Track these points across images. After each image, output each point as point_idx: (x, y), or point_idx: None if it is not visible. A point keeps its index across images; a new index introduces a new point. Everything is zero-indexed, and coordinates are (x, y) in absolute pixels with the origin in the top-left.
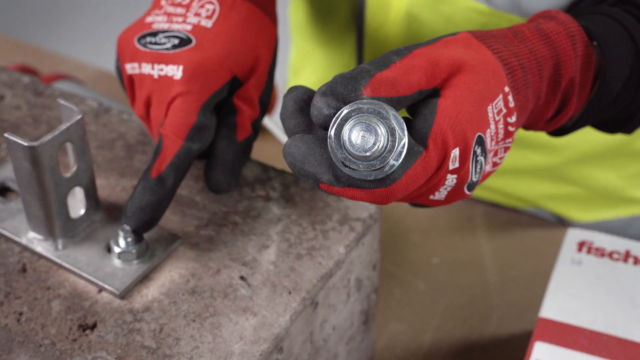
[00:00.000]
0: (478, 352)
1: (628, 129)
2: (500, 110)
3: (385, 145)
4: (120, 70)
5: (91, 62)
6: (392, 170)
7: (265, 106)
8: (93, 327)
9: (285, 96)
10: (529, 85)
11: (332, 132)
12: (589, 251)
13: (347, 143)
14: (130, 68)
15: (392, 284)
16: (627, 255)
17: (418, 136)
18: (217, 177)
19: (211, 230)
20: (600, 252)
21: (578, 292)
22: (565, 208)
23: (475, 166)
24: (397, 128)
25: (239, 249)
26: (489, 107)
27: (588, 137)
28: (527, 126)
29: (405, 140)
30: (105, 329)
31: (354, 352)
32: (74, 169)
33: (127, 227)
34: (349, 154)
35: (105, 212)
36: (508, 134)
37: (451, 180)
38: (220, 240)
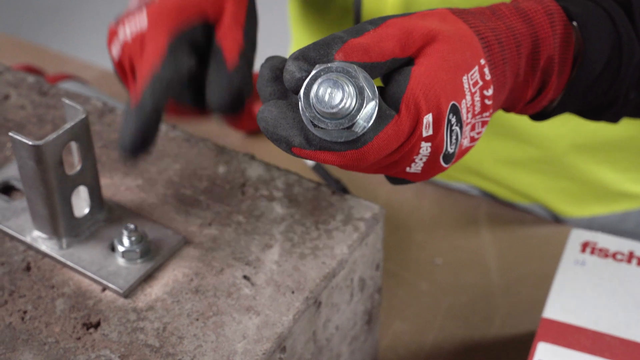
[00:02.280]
0: (481, 352)
1: (612, 117)
2: (476, 82)
3: (353, 104)
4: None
5: (96, 62)
6: (363, 132)
7: (254, 41)
8: (97, 325)
9: (262, 65)
10: (506, 61)
11: (301, 92)
12: (592, 252)
13: (314, 100)
14: (114, 50)
15: (395, 284)
16: (630, 256)
17: (391, 101)
18: (213, 89)
19: (215, 230)
20: (604, 253)
21: (581, 292)
22: (560, 203)
23: (451, 136)
24: (366, 87)
25: (242, 248)
26: (465, 77)
27: (584, 130)
28: (508, 107)
29: (376, 101)
30: (109, 327)
31: (357, 352)
32: (78, 168)
33: (131, 226)
34: (317, 112)
35: (110, 211)
36: (485, 108)
37: (425, 149)
38: (224, 239)
